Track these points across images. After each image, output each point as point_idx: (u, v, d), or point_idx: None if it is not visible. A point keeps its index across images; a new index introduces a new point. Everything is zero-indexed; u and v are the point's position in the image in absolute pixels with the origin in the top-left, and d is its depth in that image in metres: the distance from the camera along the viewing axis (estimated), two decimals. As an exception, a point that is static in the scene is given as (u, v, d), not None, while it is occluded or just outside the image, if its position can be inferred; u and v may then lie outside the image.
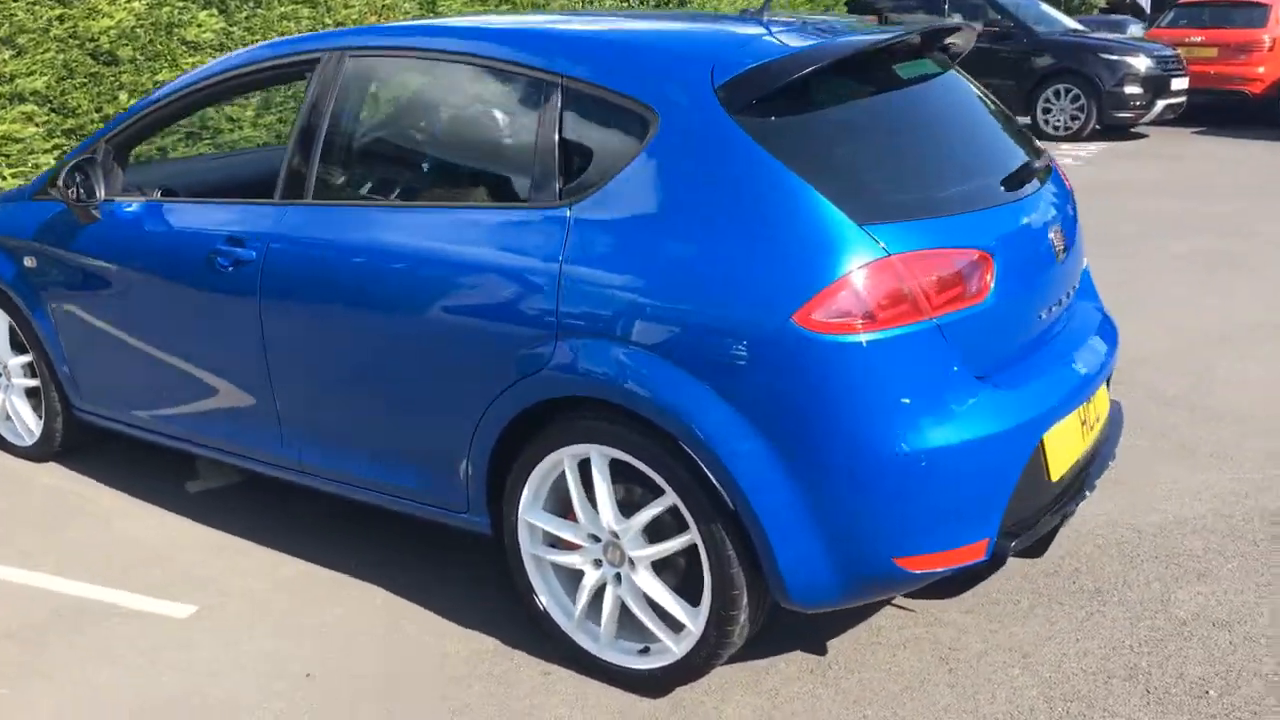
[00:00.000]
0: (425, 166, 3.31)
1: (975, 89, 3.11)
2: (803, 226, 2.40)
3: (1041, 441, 2.57)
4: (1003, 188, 2.74)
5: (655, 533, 2.66)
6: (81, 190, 3.56)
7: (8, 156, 6.40)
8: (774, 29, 2.91)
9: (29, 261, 3.89)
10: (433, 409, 2.90)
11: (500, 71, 2.90)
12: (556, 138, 2.70)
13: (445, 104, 3.23)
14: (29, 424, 4.27)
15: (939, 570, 2.49)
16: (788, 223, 2.40)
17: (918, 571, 2.47)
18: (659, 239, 2.52)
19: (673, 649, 2.69)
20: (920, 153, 2.79)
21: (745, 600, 2.55)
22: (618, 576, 2.73)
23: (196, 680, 2.95)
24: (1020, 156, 2.94)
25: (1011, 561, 2.70)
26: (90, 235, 3.68)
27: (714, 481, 2.47)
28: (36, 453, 4.29)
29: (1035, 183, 2.88)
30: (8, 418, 4.36)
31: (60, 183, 3.62)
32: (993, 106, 3.11)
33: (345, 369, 3.08)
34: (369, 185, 3.27)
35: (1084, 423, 2.79)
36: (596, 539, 2.75)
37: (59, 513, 3.95)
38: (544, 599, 2.87)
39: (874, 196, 2.50)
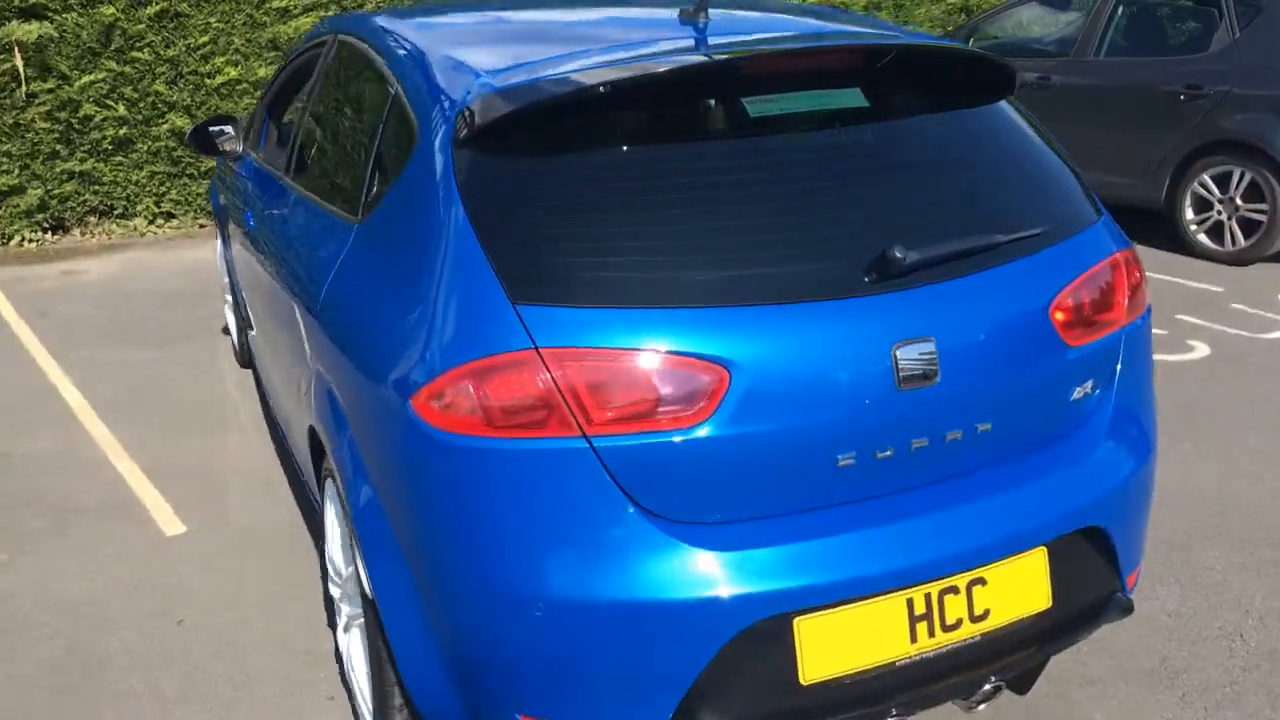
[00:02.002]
0: (311, 155, 3.24)
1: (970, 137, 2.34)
2: (449, 293, 1.94)
3: (788, 631, 1.91)
4: (880, 272, 1.96)
5: None
6: (225, 145, 4.01)
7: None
8: (681, 31, 2.46)
9: (221, 199, 4.62)
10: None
11: (378, 74, 2.66)
12: (375, 149, 2.47)
13: (338, 97, 3.15)
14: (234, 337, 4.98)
15: None
16: (442, 286, 1.96)
17: None
18: (370, 272, 2.29)
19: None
20: (710, 219, 1.99)
21: (399, 701, 2.21)
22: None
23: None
24: (956, 237, 2.07)
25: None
26: (229, 183, 4.30)
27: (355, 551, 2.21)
28: (240, 361, 4.94)
29: (957, 276, 2.04)
30: (225, 330, 5.25)
31: (206, 137, 4.03)
32: (976, 159, 2.31)
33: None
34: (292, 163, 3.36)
35: (918, 615, 2.00)
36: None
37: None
38: None
39: (564, 270, 1.91)
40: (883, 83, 2.25)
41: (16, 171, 6.96)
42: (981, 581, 2.05)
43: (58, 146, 7.03)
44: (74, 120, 7.03)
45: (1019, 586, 2.09)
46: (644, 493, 1.88)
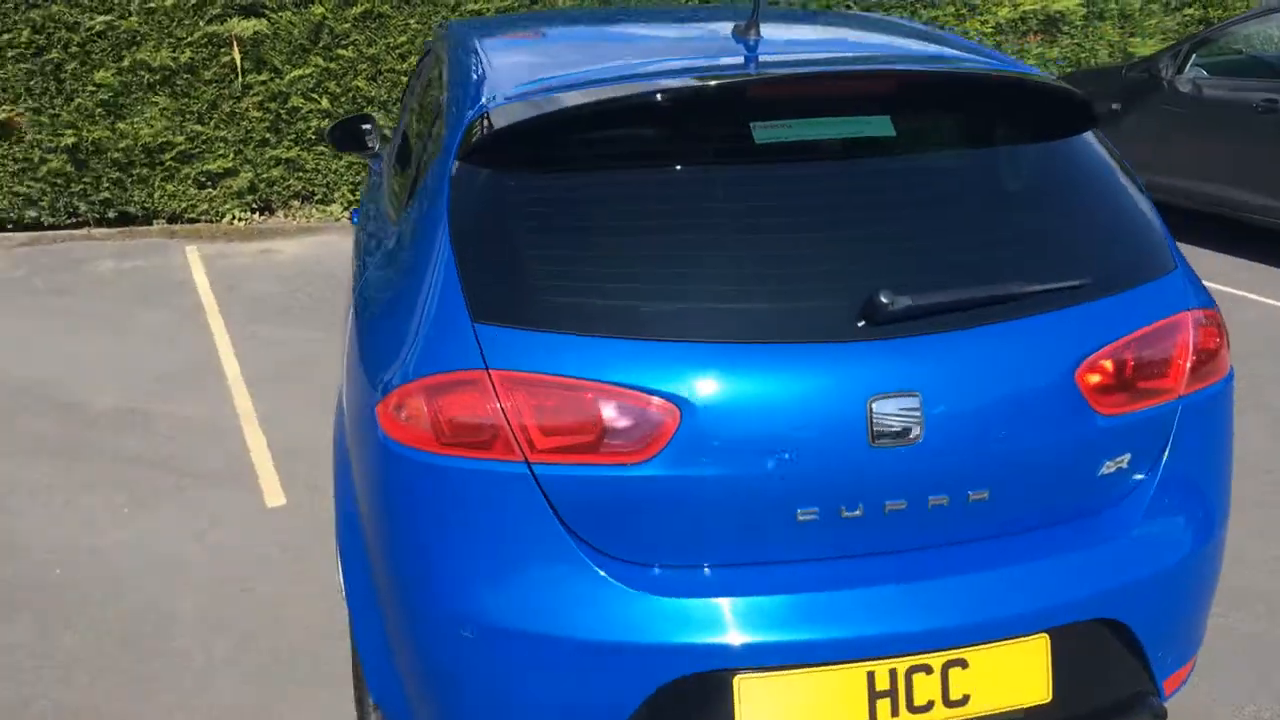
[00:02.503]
0: (393, 157, 3.38)
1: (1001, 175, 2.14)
2: (426, 306, 1.93)
3: (727, 690, 1.80)
4: (870, 319, 1.81)
5: None
6: (368, 142, 3.99)
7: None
8: (734, 46, 2.31)
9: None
10: None
11: (440, 79, 2.80)
12: (423, 153, 2.55)
13: (418, 101, 3.28)
14: None
15: None
16: (422, 298, 1.95)
17: None
18: (383, 273, 2.35)
19: None
20: (684, 249, 1.89)
21: (371, 707, 2.26)
22: None
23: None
24: (963, 285, 1.89)
25: None
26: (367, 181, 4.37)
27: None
28: None
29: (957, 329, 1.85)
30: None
31: (344, 133, 4.05)
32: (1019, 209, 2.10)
33: None
34: None
35: (879, 690, 1.84)
36: None
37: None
38: None
39: (526, 292, 1.86)
40: (919, 111, 2.11)
41: (231, 156, 7.58)
42: (962, 663, 1.86)
43: (267, 134, 7.61)
44: (283, 111, 7.58)
45: (1010, 674, 1.89)
46: (584, 527, 1.82)
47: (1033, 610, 1.89)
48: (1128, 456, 1.98)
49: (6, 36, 7.00)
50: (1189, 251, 3.58)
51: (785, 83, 2.11)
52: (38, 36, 7.06)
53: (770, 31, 2.37)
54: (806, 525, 1.83)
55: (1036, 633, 1.89)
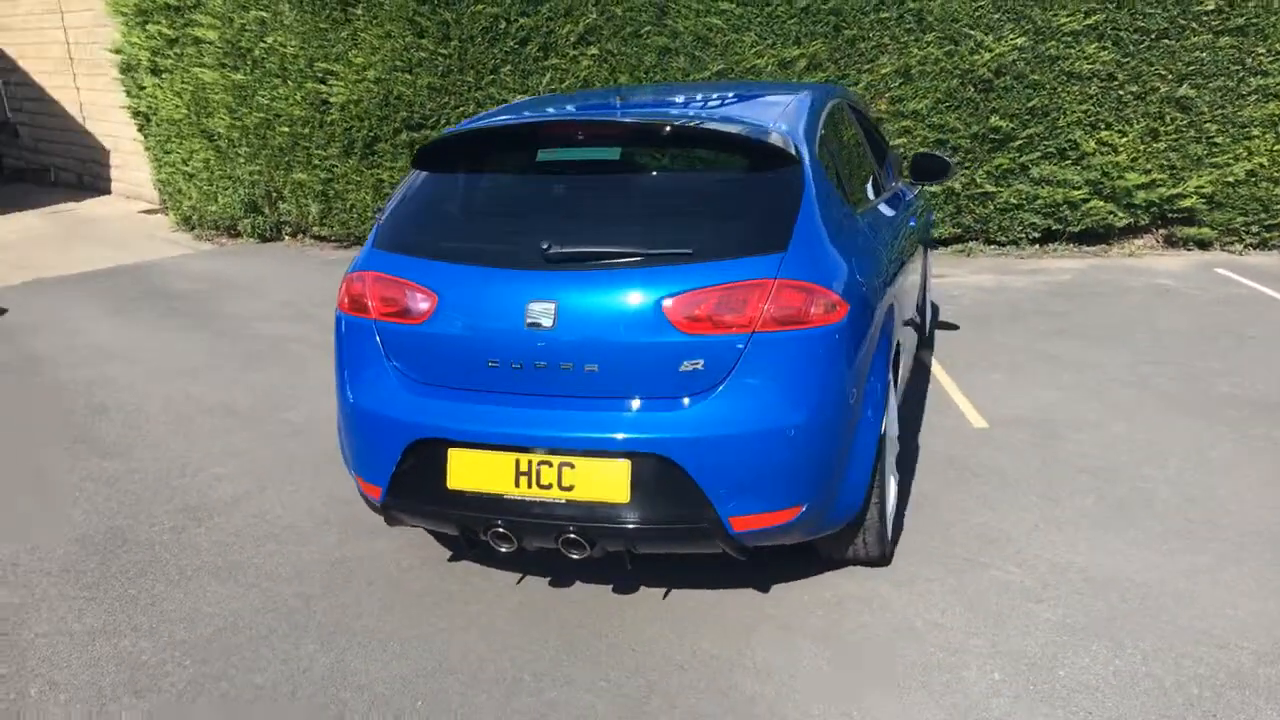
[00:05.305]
0: None
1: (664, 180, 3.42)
2: (369, 240, 3.59)
3: (445, 452, 3.17)
4: (544, 259, 3.12)
5: None
6: None
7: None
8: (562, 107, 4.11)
9: None
10: None
11: None
12: None
13: None
14: None
15: (363, 491, 3.44)
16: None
17: (360, 487, 3.45)
18: None
19: None
20: (476, 213, 3.54)
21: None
22: None
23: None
24: (602, 244, 3.14)
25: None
26: None
27: None
28: None
29: (576, 269, 3.11)
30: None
31: None
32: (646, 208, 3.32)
33: None
34: None
35: (521, 471, 3.10)
36: None
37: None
38: None
39: (402, 233, 3.44)
40: (640, 145, 3.43)
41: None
42: (570, 465, 3.08)
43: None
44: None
45: (601, 478, 3.06)
46: (395, 357, 3.31)
47: (618, 442, 3.03)
48: (702, 362, 3.05)
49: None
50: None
51: (557, 124, 3.53)
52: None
53: (630, 96, 4.12)
54: (493, 369, 3.16)
55: (620, 455, 3.04)
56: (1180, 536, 3.84)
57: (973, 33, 8.19)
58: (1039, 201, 8.59)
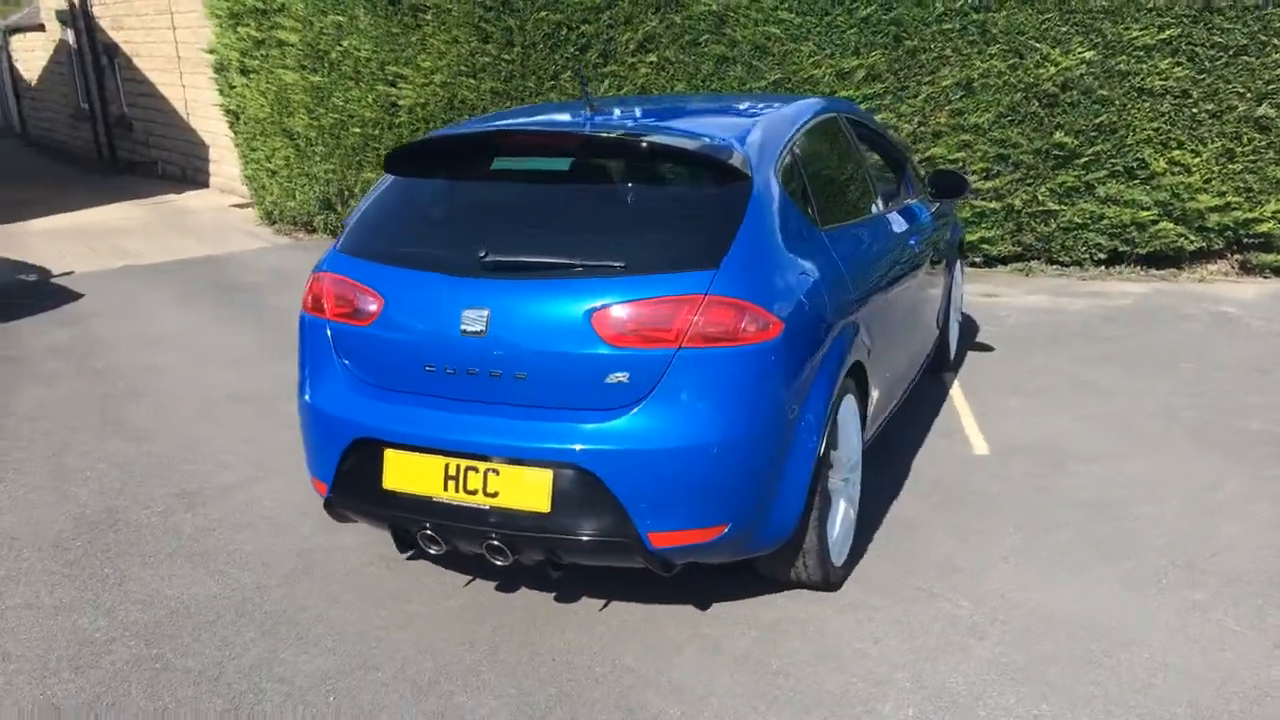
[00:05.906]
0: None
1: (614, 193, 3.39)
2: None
3: (381, 452, 3.22)
4: (481, 266, 3.16)
5: None
6: None
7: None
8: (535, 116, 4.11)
9: None
10: None
11: None
12: None
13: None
14: None
15: (314, 487, 3.50)
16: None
17: (312, 483, 3.51)
18: None
19: None
20: (430, 219, 3.56)
21: None
22: None
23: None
24: (538, 255, 3.19)
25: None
26: None
27: None
28: None
29: (506, 277, 3.14)
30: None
31: None
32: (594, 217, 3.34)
33: None
34: None
35: (450, 475, 3.12)
36: None
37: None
38: None
39: (362, 236, 3.51)
40: (591, 158, 3.42)
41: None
42: (495, 471, 3.09)
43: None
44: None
45: (524, 486, 3.07)
46: (345, 356, 3.38)
47: (540, 451, 3.03)
48: (628, 375, 3.01)
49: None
50: None
51: (512, 135, 3.64)
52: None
53: (604, 107, 4.04)
54: (429, 374, 3.20)
55: (543, 465, 3.04)
56: (1153, 579, 3.66)
57: (1039, 46, 7.94)
58: (1105, 221, 8.27)
